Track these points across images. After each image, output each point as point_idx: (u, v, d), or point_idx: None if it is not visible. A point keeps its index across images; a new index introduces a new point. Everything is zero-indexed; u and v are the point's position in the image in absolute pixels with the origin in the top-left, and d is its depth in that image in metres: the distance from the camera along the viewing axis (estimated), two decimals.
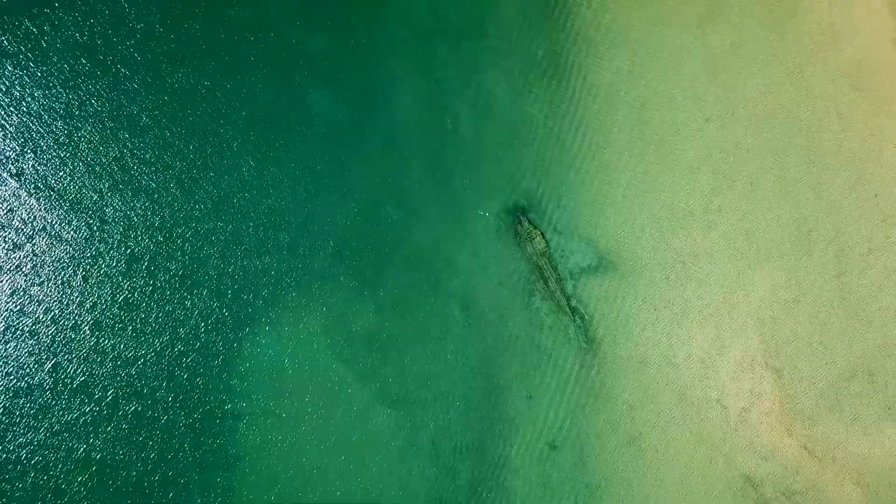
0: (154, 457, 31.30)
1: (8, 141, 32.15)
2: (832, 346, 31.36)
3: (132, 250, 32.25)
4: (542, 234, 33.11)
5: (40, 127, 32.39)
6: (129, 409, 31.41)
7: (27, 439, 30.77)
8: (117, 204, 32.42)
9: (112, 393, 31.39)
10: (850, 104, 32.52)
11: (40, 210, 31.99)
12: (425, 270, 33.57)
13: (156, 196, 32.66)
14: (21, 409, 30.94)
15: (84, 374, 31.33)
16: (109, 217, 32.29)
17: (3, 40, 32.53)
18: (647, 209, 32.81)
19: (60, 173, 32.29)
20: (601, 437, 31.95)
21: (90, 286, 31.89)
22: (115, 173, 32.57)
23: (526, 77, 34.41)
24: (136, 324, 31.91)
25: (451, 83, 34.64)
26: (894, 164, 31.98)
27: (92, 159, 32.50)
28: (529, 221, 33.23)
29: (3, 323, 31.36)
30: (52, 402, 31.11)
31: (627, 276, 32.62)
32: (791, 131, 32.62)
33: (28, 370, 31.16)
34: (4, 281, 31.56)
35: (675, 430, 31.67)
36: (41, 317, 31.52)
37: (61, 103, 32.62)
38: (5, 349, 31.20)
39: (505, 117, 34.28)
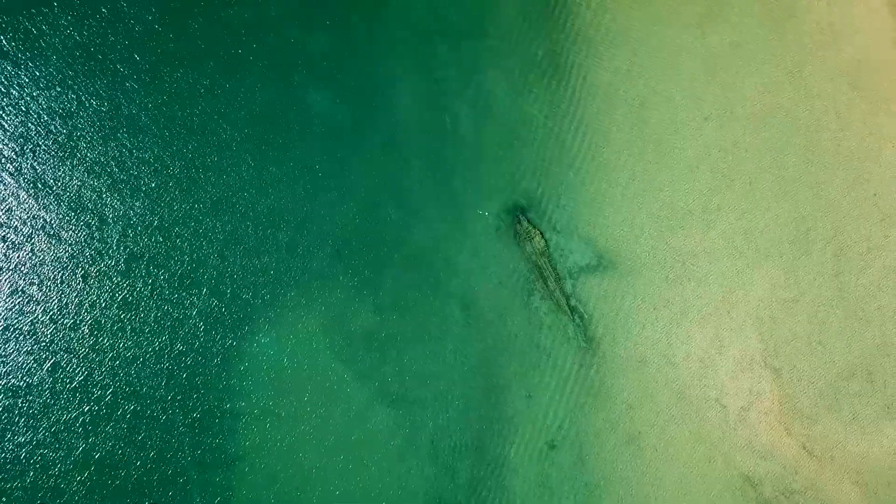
0: (153, 456, 31.31)
1: (7, 141, 32.17)
2: (831, 346, 31.37)
3: (131, 250, 32.26)
4: (541, 233, 33.13)
5: (39, 126, 32.42)
6: (128, 409, 31.42)
7: (26, 439, 30.79)
8: (116, 203, 32.43)
9: (111, 392, 31.41)
10: (848, 103, 32.54)
11: (39, 210, 32.02)
12: (425, 270, 33.57)
13: (155, 195, 32.68)
14: (20, 408, 30.95)
15: (83, 374, 31.35)
16: (108, 217, 32.31)
17: (1, 40, 32.56)
18: (646, 208, 32.82)
19: (59, 173, 32.31)
20: (600, 437, 31.96)
21: (89, 286, 31.91)
22: (114, 173, 32.59)
23: (526, 77, 34.42)
24: (135, 323, 31.92)
25: (450, 83, 34.64)
26: (893, 164, 31.99)
27: (91, 159, 32.52)
28: (529, 221, 33.24)
29: (2, 322, 31.38)
30: (51, 401, 31.13)
31: (626, 276, 32.63)
32: (790, 130, 32.63)
33: (27, 370, 31.17)
34: (3, 280, 31.58)
35: (674, 430, 31.68)
36: (40, 316, 31.54)
37: (60, 103, 32.63)
38: (4, 349, 31.22)
39: (505, 117, 34.28)
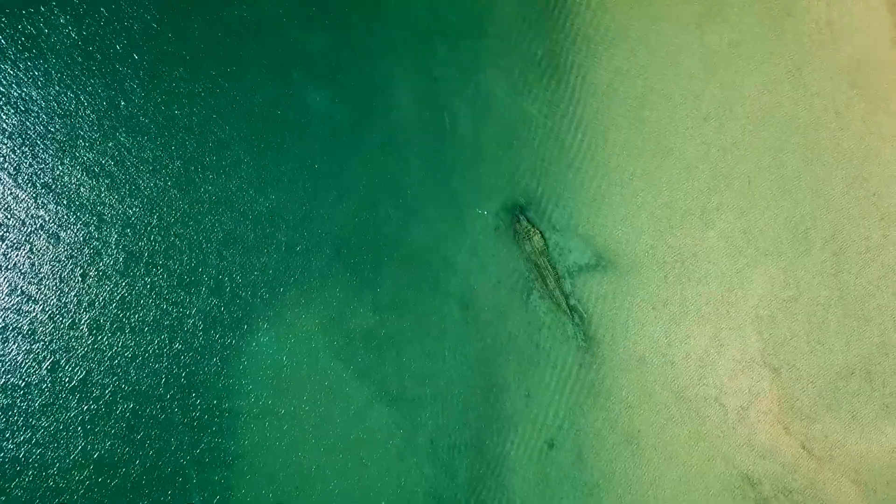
0: (152, 455, 31.33)
1: (6, 140, 32.17)
2: (830, 345, 31.35)
3: (130, 249, 32.28)
4: (540, 232, 33.14)
5: (38, 126, 32.42)
6: (127, 408, 31.44)
7: (26, 438, 30.79)
8: (115, 203, 32.45)
9: (110, 391, 31.42)
10: (848, 102, 32.52)
11: (38, 209, 32.02)
12: (424, 269, 33.62)
13: (154, 195, 32.69)
14: (19, 407, 30.96)
15: (82, 373, 31.36)
16: (107, 216, 32.32)
17: (1, 40, 32.57)
18: (646, 208, 32.82)
19: (58, 172, 32.32)
20: (599, 436, 31.96)
21: (88, 285, 31.92)
22: (113, 172, 32.60)
23: (525, 76, 34.47)
24: (135, 323, 31.94)
25: (450, 83, 34.72)
26: (892, 163, 31.97)
27: (90, 158, 32.53)
28: (528, 220, 33.26)
29: (1, 322, 31.39)
30: (50, 400, 31.14)
31: (626, 275, 32.63)
32: (789, 130, 32.62)
33: (26, 369, 31.19)
34: (3, 280, 31.59)
35: (674, 429, 31.67)
36: (39, 316, 31.55)
37: (59, 103, 32.64)
38: (4, 348, 31.23)
39: (504, 116, 34.33)
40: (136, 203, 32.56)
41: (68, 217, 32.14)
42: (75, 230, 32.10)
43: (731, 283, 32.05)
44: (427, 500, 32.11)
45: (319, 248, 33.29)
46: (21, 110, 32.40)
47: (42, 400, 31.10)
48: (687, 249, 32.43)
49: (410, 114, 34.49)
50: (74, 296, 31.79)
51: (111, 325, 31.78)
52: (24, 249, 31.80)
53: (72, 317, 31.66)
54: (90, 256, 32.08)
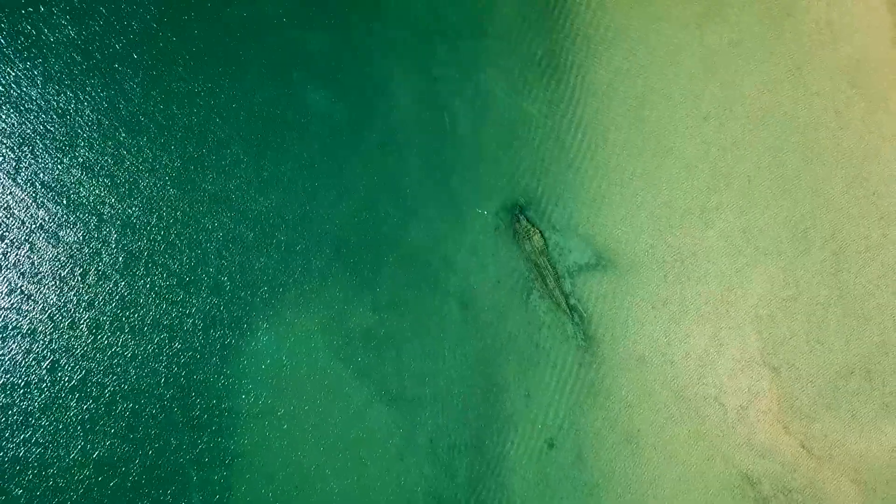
0: (152, 454, 31.33)
1: (5, 140, 32.19)
2: (830, 344, 31.34)
3: (130, 249, 32.29)
4: (540, 232, 33.14)
5: (37, 126, 32.43)
6: (127, 407, 31.44)
7: (25, 437, 30.80)
8: (115, 202, 32.46)
9: (110, 391, 31.43)
10: (847, 102, 32.51)
11: (38, 209, 32.03)
12: (423, 269, 33.63)
13: (154, 194, 32.70)
14: (19, 407, 30.97)
15: (82, 372, 31.37)
16: (107, 215, 32.33)
17: (0, 40, 32.63)
18: (645, 207, 32.81)
19: (58, 172, 32.33)
20: (599, 435, 31.95)
21: (88, 284, 31.93)
22: (113, 172, 32.61)
23: (525, 76, 34.48)
24: (134, 322, 31.94)
25: (449, 82, 34.73)
26: (892, 162, 31.97)
27: (89, 158, 32.54)
28: (528, 219, 33.26)
29: (0, 321, 31.40)
30: (50, 400, 31.14)
31: (625, 274, 32.62)
32: (789, 129, 32.61)
33: (26, 368, 31.20)
34: (2, 279, 31.61)
35: (673, 428, 31.67)
36: (39, 315, 31.55)
37: (58, 102, 32.65)
38: (3, 348, 31.25)
39: (503, 116, 34.35)
40: (135, 202, 32.57)
41: (68, 216, 32.15)
42: (75, 230, 32.11)
43: (731, 283, 32.04)
44: (427, 500, 32.11)
45: (319, 248, 33.30)
46: (21, 110, 32.41)
47: (42, 399, 31.11)
48: (686, 249, 32.42)
49: (410, 114, 34.51)
50: (74, 295, 31.80)
51: (111, 324, 31.79)
52: (23, 249, 31.81)
53: (71, 316, 31.67)
54: (90, 256, 32.09)
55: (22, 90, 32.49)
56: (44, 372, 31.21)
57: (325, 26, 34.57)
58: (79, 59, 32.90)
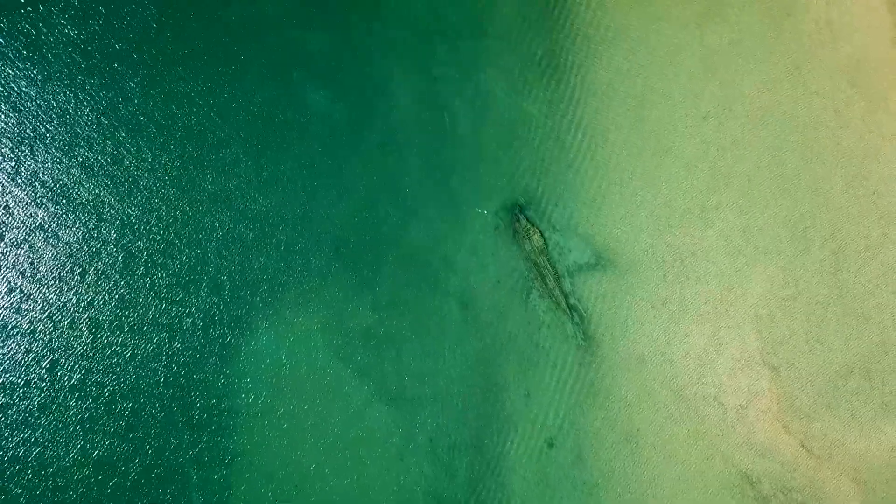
0: (152, 454, 31.36)
1: (4, 139, 32.25)
2: (829, 344, 31.30)
3: (129, 248, 32.33)
4: (540, 231, 33.14)
5: (37, 125, 32.49)
6: (126, 407, 31.47)
7: (25, 436, 30.84)
8: (114, 202, 32.50)
9: (109, 390, 31.46)
10: (847, 101, 32.48)
11: (37, 208, 32.08)
12: (423, 268, 33.62)
13: (153, 194, 32.75)
14: (18, 406, 31.01)
15: (81, 372, 31.40)
16: (106, 215, 32.37)
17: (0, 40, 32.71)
18: (645, 207, 32.81)
19: (57, 172, 32.38)
20: (599, 435, 31.94)
21: (87, 284, 31.97)
22: (113, 172, 32.66)
23: (525, 76, 34.48)
24: (134, 321, 31.97)
25: (449, 82, 34.71)
26: (892, 161, 31.93)
27: (89, 158, 32.59)
28: (527, 219, 33.26)
29: (0, 321, 31.46)
30: (49, 399, 31.18)
31: (625, 274, 32.62)
32: (788, 128, 32.58)
33: (25, 368, 31.24)
34: (1, 279, 31.66)
35: (673, 428, 31.64)
36: (38, 315, 31.59)
37: (58, 102, 32.70)
38: (3, 347, 31.29)
39: (503, 116, 34.34)
40: (135, 202, 32.60)
41: (67, 216, 32.20)
42: (74, 229, 32.16)
43: (731, 282, 32.02)
44: (426, 500, 32.11)
45: (319, 248, 33.32)
46: (20, 110, 32.47)
47: (41, 399, 31.15)
48: (686, 248, 32.41)
49: (410, 113, 34.51)
50: (73, 295, 31.85)
51: (110, 323, 31.82)
52: (23, 248, 31.86)
53: (71, 316, 31.71)
54: (89, 255, 32.13)
55: (22, 90, 32.55)
56: (43, 371, 31.25)
57: (325, 26, 34.60)
58: (79, 59, 32.96)
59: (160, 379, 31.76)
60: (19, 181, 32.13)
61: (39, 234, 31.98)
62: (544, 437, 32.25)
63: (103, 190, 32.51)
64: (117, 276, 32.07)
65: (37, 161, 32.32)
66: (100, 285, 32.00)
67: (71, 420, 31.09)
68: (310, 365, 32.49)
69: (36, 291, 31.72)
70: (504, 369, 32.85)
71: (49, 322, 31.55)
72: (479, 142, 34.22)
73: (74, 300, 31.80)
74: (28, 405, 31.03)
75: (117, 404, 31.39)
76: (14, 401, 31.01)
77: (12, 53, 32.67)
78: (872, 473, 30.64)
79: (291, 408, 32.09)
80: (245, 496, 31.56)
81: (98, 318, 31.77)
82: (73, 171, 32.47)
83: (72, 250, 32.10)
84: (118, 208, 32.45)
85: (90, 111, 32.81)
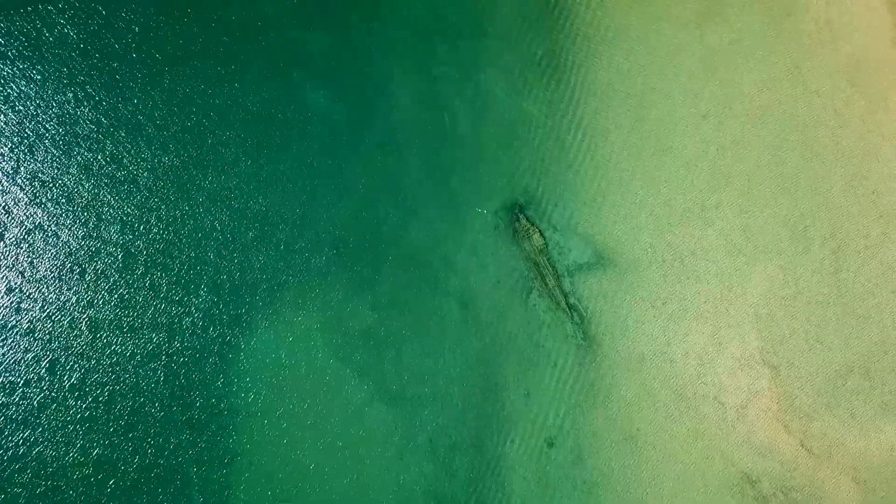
0: (151, 453, 31.36)
1: (4, 139, 32.29)
2: (829, 343, 31.28)
3: (129, 248, 32.35)
4: (539, 231, 33.12)
5: (36, 125, 32.52)
6: (126, 406, 31.48)
7: (24, 436, 30.86)
8: (114, 201, 32.53)
9: (109, 390, 31.47)
10: (847, 100, 32.48)
11: (36, 208, 32.11)
12: (423, 268, 33.59)
13: (153, 193, 32.77)
14: (18, 406, 31.03)
15: (80, 371, 31.41)
16: (106, 215, 32.40)
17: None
18: (645, 206, 32.80)
19: (56, 171, 32.42)
20: (599, 434, 31.91)
21: (87, 283, 31.99)
22: (112, 171, 32.69)
23: (525, 76, 34.47)
24: (133, 321, 31.99)
25: (449, 82, 34.69)
26: (892, 161, 31.93)
27: (88, 157, 32.63)
28: (527, 219, 33.25)
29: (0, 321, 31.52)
30: (49, 399, 31.20)
31: (625, 273, 32.60)
32: (788, 127, 32.57)
33: (25, 367, 31.26)
34: (1, 279, 31.68)
35: (673, 427, 31.61)
36: (37, 314, 31.62)
37: (57, 101, 32.74)
38: (2, 346, 31.32)
39: (503, 116, 34.33)
40: (134, 202, 32.62)
41: (67, 216, 32.23)
42: (74, 229, 32.18)
43: (731, 282, 32.01)
44: (426, 499, 32.09)
45: (319, 247, 33.31)
46: (20, 110, 32.52)
47: (40, 398, 31.17)
48: (686, 248, 32.40)
49: (410, 113, 34.50)
50: (73, 294, 31.87)
51: (110, 323, 31.83)
52: (22, 248, 31.89)
53: (70, 315, 31.73)
54: (89, 255, 32.15)
55: (22, 90, 32.59)
56: (42, 371, 31.27)
57: (325, 26, 34.62)
58: (78, 59, 33.00)
59: (160, 378, 31.77)
60: (19, 181, 32.17)
61: (39, 234, 32.02)
62: (544, 436, 32.22)
63: (103, 190, 32.55)
64: (117, 276, 32.10)
65: (36, 161, 32.35)
66: (99, 285, 32.02)
67: (70, 419, 31.10)
68: (309, 364, 32.48)
69: (35, 291, 31.75)
70: (504, 369, 32.83)
71: (48, 322, 31.58)
72: (479, 142, 34.19)
73: (74, 300, 31.83)
74: (27, 404, 31.05)
75: (117, 404, 31.40)
76: (13, 400, 31.03)
77: (12, 53, 32.73)
78: (872, 473, 30.61)
79: (291, 407, 32.08)
80: (245, 495, 31.55)
81: (97, 318, 31.79)
82: (72, 171, 32.50)
83: (71, 250, 32.13)
84: (118, 208, 32.48)
85: (90, 111, 32.84)
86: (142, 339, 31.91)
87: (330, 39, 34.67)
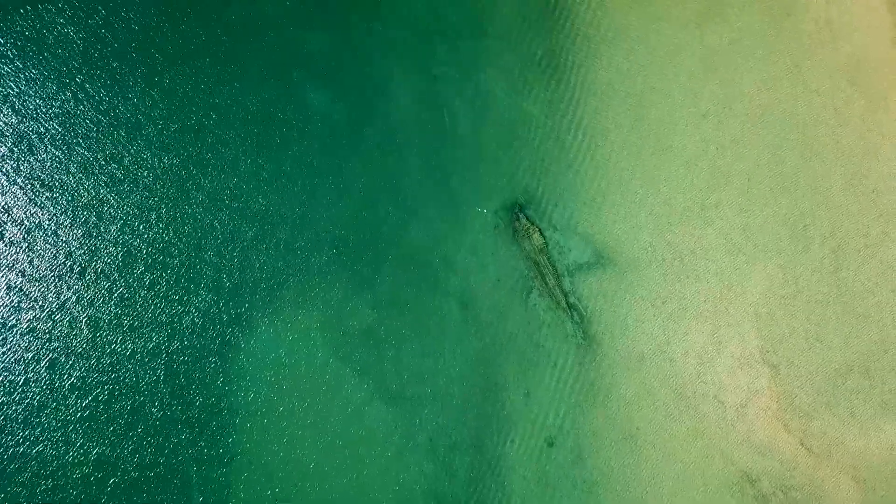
0: (152, 452, 31.35)
1: (4, 139, 32.33)
2: (829, 342, 31.28)
3: (128, 247, 32.37)
4: (539, 230, 33.13)
5: (37, 125, 32.56)
6: (126, 406, 31.48)
7: (24, 435, 30.85)
8: (114, 201, 32.55)
9: (109, 389, 31.47)
10: (847, 100, 32.51)
11: (37, 207, 32.13)
12: (423, 268, 33.61)
13: (153, 193, 32.80)
14: (18, 405, 31.04)
15: (80, 371, 31.42)
16: (106, 214, 32.43)
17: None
18: (645, 205, 32.81)
19: (57, 171, 32.45)
20: (598, 434, 31.90)
21: (87, 283, 32.01)
22: (112, 171, 32.72)
23: (525, 76, 34.52)
24: (133, 320, 32.00)
25: (449, 82, 34.75)
26: (891, 160, 31.95)
27: (89, 157, 32.66)
28: (527, 218, 33.27)
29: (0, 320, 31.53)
30: (49, 398, 31.20)
31: (625, 273, 32.61)
32: (788, 127, 32.61)
33: (25, 367, 31.27)
34: (1, 278, 31.70)
35: (673, 426, 31.60)
36: (38, 314, 31.64)
37: (57, 101, 32.79)
38: (2, 346, 31.33)
39: (503, 116, 34.38)
40: (134, 201, 32.65)
41: (67, 215, 32.26)
42: (74, 228, 32.21)
43: (730, 281, 32.01)
44: (426, 499, 32.06)
45: (319, 247, 33.32)
46: (20, 109, 32.56)
47: (40, 397, 31.17)
48: (686, 247, 32.41)
49: (410, 113, 34.54)
50: (73, 293, 31.89)
51: (110, 322, 31.85)
52: (22, 247, 31.92)
53: (70, 314, 31.75)
54: (89, 254, 32.18)
55: (22, 90, 32.63)
56: (43, 370, 31.28)
57: (325, 26, 34.66)
58: (78, 58, 33.06)
59: (160, 377, 31.78)
60: (19, 181, 32.20)
61: (39, 234, 32.04)
62: (544, 436, 32.21)
63: (103, 189, 32.58)
64: (117, 275, 32.12)
65: (36, 161, 32.38)
66: (99, 284, 32.04)
67: (70, 419, 31.10)
68: (309, 364, 32.48)
69: (36, 290, 31.77)
70: (504, 369, 32.82)
71: (49, 321, 31.60)
72: (479, 142, 34.23)
73: (74, 299, 31.85)
74: (28, 404, 31.05)
75: (117, 403, 31.41)
76: (14, 399, 31.04)
77: (12, 53, 32.78)
78: (872, 472, 30.60)
79: (291, 406, 32.08)
80: (245, 495, 31.53)
81: (97, 317, 31.81)
82: (72, 170, 32.53)
83: (71, 249, 32.15)
84: (118, 208, 32.51)
85: (90, 111, 32.88)
86: (142, 338, 31.93)
87: (330, 39, 34.71)
